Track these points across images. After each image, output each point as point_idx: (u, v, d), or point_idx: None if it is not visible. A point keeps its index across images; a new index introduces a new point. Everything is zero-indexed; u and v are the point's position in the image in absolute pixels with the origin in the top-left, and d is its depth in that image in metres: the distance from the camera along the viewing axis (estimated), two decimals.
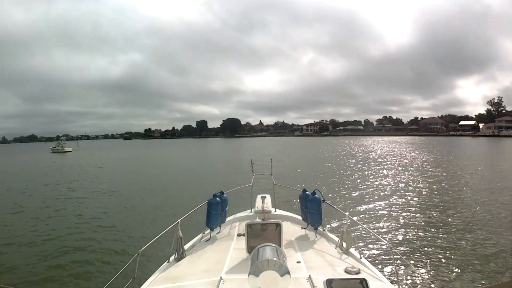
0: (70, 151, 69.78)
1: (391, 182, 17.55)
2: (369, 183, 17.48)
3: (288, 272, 2.18)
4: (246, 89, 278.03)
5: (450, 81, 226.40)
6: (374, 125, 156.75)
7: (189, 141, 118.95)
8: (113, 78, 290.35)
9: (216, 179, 20.88)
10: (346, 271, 3.07)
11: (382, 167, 25.17)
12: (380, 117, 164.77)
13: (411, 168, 23.75)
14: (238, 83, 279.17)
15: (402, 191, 14.98)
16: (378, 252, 6.76)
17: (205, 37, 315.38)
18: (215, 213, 4.45)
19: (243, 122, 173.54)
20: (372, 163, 28.71)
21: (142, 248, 3.61)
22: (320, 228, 4.60)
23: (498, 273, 6.29)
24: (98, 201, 15.28)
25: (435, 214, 10.57)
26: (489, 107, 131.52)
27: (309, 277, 2.79)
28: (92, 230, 10.28)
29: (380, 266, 3.71)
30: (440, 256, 7.18)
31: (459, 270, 6.49)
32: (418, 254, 7.30)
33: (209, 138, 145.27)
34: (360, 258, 3.63)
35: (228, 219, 5.13)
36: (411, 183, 17.09)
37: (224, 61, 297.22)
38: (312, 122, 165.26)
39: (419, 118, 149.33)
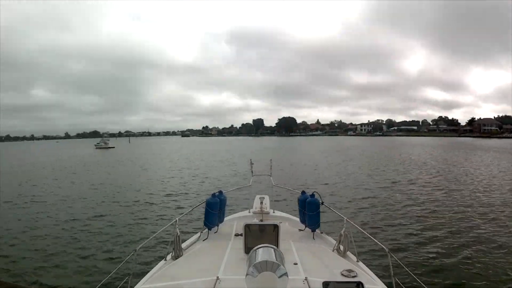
0: (113, 148, 75.14)
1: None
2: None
3: (285, 274, 2.17)
4: None
5: None
6: (430, 125, 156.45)
7: (245, 139, 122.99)
8: None
9: None
10: (343, 274, 3.07)
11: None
12: (436, 117, 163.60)
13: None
14: None
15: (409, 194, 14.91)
16: (375, 256, 6.74)
17: None
18: (213, 212, 4.45)
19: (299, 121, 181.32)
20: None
21: (139, 246, 3.61)
22: (318, 231, 4.61)
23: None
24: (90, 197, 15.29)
25: (435, 220, 10.54)
26: None
27: (306, 279, 2.79)
28: (87, 226, 10.27)
29: (377, 270, 3.71)
30: (438, 262, 7.15)
31: (458, 276, 6.46)
32: (416, 259, 7.27)
33: (265, 137, 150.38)
34: (357, 261, 3.63)
35: (226, 219, 5.13)
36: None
37: None
38: (367, 122, 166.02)
39: (476, 119, 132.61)
